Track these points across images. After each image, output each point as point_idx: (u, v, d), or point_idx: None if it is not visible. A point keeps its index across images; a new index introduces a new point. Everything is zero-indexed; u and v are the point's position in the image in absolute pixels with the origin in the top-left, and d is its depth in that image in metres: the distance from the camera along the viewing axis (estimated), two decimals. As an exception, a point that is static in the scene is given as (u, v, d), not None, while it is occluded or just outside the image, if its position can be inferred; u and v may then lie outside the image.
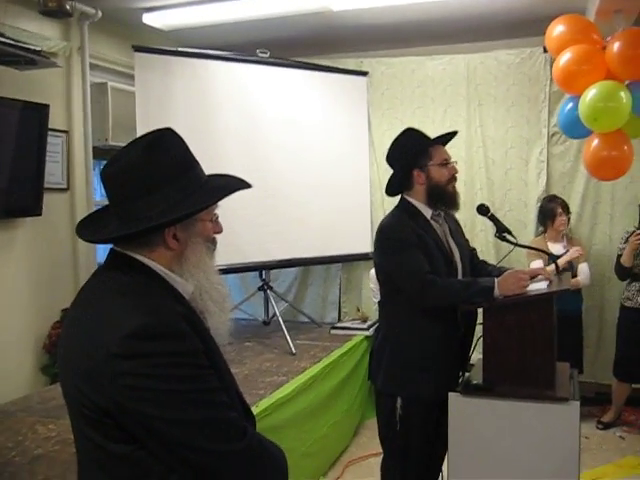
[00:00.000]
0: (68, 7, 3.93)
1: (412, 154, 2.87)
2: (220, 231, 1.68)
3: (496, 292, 2.65)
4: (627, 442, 4.66)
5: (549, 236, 4.98)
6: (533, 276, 2.85)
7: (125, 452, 1.41)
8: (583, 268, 4.92)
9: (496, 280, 2.67)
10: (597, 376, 5.27)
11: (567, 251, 4.86)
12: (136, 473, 1.42)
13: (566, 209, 4.94)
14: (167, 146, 1.58)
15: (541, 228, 5.17)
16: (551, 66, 5.10)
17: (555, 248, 4.89)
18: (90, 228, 1.63)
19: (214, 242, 1.67)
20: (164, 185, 1.53)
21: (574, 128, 4.24)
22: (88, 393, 1.40)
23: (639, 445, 4.59)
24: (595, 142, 4.17)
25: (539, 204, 5.23)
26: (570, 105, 4.29)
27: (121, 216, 1.54)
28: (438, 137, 2.95)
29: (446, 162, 2.90)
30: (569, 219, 5.01)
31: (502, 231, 2.86)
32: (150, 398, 1.36)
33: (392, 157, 2.98)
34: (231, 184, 1.66)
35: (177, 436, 1.40)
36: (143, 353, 1.37)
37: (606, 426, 4.90)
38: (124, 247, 1.55)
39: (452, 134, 3.03)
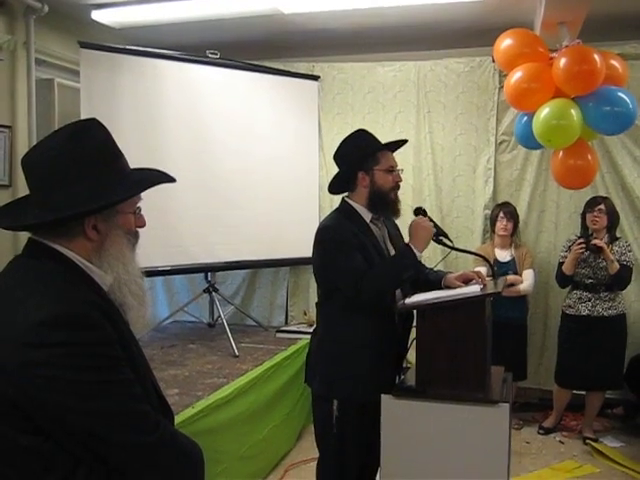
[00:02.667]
0: None
1: (360, 156, 2.86)
2: (142, 225, 1.67)
3: (414, 248, 2.75)
4: (566, 447, 4.73)
5: (495, 242, 5.03)
6: (467, 280, 2.88)
7: (33, 444, 1.39)
8: (528, 274, 4.92)
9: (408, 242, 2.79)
10: (541, 382, 5.34)
11: (513, 259, 4.93)
12: (43, 465, 1.40)
13: (509, 215, 4.93)
14: (91, 136, 1.56)
15: (488, 235, 5.24)
16: (500, 75, 5.20)
17: (501, 255, 4.95)
18: (9, 216, 1.61)
19: (136, 235, 1.66)
20: (85, 175, 1.51)
21: (530, 140, 4.30)
22: None
23: (577, 450, 4.66)
24: (561, 153, 4.27)
25: (487, 211, 5.29)
26: (525, 119, 4.36)
27: (41, 204, 1.52)
28: (388, 143, 2.96)
29: (392, 169, 2.90)
30: (516, 225, 5.02)
31: (439, 234, 2.87)
32: (60, 388, 1.35)
33: (340, 156, 2.96)
34: (154, 177, 1.65)
35: (86, 427, 1.38)
36: (53, 342, 1.35)
37: (547, 431, 4.97)
38: (43, 236, 1.53)
39: (402, 142, 3.04)
